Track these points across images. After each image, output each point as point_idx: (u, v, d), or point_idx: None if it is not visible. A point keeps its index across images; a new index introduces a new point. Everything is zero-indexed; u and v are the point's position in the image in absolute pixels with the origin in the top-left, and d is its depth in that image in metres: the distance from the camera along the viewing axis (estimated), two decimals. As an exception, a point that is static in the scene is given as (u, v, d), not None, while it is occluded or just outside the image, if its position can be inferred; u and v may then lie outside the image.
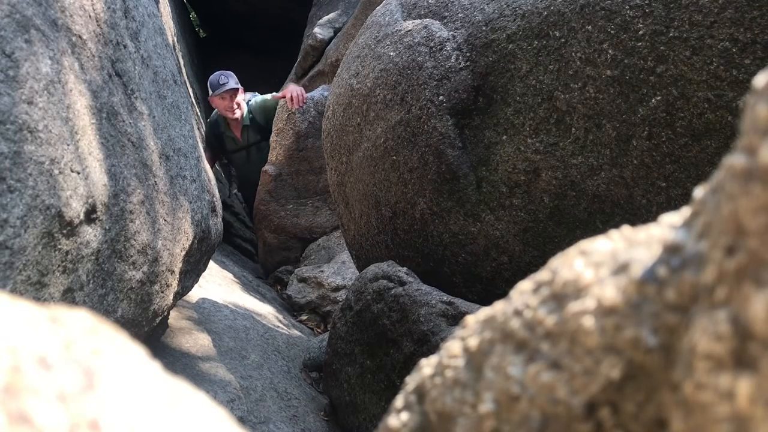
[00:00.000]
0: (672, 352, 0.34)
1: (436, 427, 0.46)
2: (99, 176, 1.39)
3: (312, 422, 2.30)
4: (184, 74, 5.11)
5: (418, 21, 2.22)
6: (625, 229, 0.43)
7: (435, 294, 1.92)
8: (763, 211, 0.29)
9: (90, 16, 1.49)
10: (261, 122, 4.63)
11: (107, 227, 1.43)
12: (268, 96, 4.64)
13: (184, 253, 1.98)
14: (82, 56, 1.41)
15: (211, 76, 4.53)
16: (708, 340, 0.30)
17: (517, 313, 0.43)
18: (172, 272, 1.88)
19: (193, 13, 9.55)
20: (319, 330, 3.49)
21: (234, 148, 4.75)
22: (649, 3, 1.65)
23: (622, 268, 0.39)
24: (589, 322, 0.38)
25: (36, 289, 1.16)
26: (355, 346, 2.17)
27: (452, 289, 2.07)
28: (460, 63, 2.03)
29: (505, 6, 1.97)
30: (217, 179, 4.06)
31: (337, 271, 3.69)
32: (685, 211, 0.39)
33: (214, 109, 4.74)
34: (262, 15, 8.53)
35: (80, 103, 1.35)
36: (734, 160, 0.31)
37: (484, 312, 0.47)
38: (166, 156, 1.87)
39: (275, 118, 4.35)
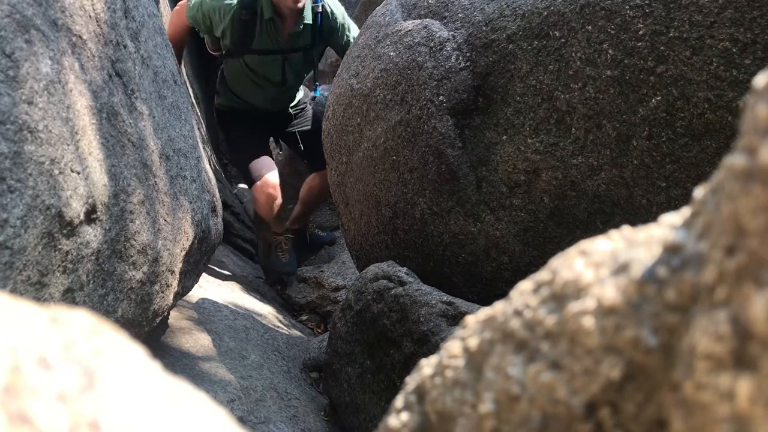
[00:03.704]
0: (672, 352, 0.34)
1: (436, 427, 0.46)
2: (99, 176, 1.39)
3: (312, 422, 2.30)
4: (184, 74, 5.09)
5: (418, 21, 2.22)
6: (625, 229, 0.43)
7: (435, 294, 1.92)
8: (763, 211, 0.29)
9: (90, 16, 1.49)
10: (325, 31, 3.34)
11: (107, 227, 1.43)
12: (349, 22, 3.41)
13: (184, 253, 1.98)
14: (82, 56, 1.41)
15: None
16: (708, 340, 0.30)
17: (517, 313, 0.43)
18: (172, 272, 1.88)
19: (193, 13, 9.53)
20: (319, 330, 3.49)
21: (266, 47, 3.26)
22: (649, 3, 1.65)
23: (622, 268, 0.39)
24: (589, 322, 0.38)
25: (36, 289, 1.16)
26: (355, 346, 2.17)
27: (452, 289, 2.07)
28: (460, 63, 2.03)
29: (505, 6, 1.97)
30: (217, 179, 3.81)
31: (337, 271, 3.70)
32: (685, 211, 0.39)
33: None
34: (262, 15, 8.51)
35: (80, 103, 1.35)
36: (734, 160, 0.31)
37: (484, 312, 0.47)
38: (166, 156, 1.87)
39: None
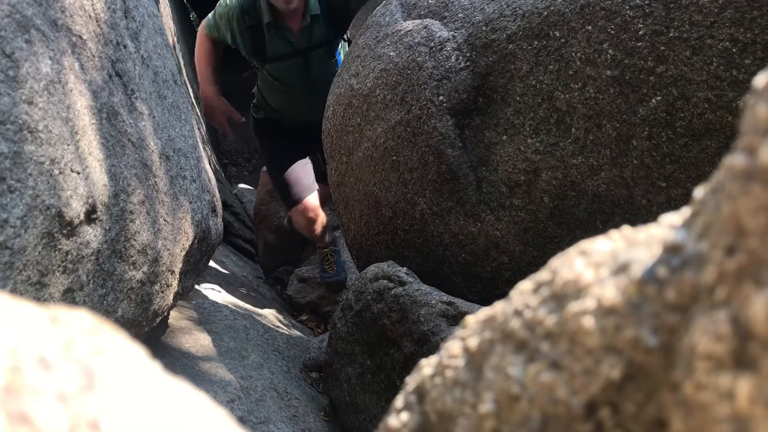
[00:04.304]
0: (672, 352, 0.34)
1: (436, 427, 0.46)
2: (99, 176, 1.39)
3: (312, 422, 2.30)
4: (184, 74, 5.07)
5: (418, 21, 2.22)
6: (625, 229, 0.43)
7: (435, 294, 1.92)
8: (763, 211, 0.29)
9: (90, 16, 1.49)
10: (339, 9, 2.93)
11: (107, 227, 1.43)
12: None
13: (184, 253, 1.98)
14: (82, 56, 1.41)
15: None
16: (708, 340, 0.30)
17: (517, 313, 0.43)
18: (172, 272, 1.88)
19: (193, 14, 9.55)
20: (319, 330, 3.49)
21: (283, 52, 2.92)
22: (649, 3, 1.65)
23: (622, 268, 0.39)
24: (589, 322, 0.38)
25: (36, 289, 1.16)
26: (355, 346, 2.17)
27: (452, 289, 2.07)
28: (460, 63, 2.03)
29: (505, 6, 1.97)
30: (217, 179, 3.70)
31: (337, 271, 3.69)
32: (685, 211, 0.39)
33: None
34: (262, 15, 8.49)
35: (80, 103, 1.35)
36: (734, 160, 0.31)
37: (484, 312, 0.47)
38: (166, 156, 1.87)
39: None
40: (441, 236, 2.10)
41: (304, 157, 3.23)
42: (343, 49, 3.11)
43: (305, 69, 2.95)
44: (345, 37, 3.14)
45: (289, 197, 3.15)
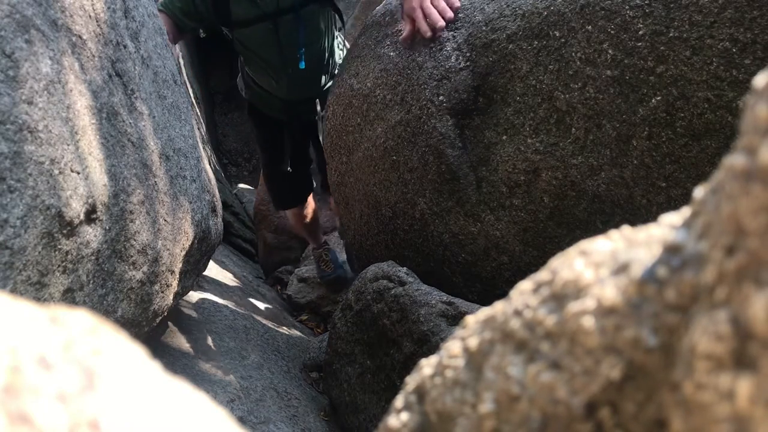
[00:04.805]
0: (672, 352, 0.34)
1: (436, 427, 0.46)
2: (99, 176, 1.39)
3: (312, 422, 2.30)
4: (184, 74, 5.06)
5: (418, 21, 2.22)
6: (625, 229, 0.43)
7: (435, 294, 1.92)
8: (763, 211, 0.29)
9: (90, 16, 1.49)
10: None
11: (107, 227, 1.43)
12: None
13: (184, 253, 1.98)
14: (82, 56, 1.41)
15: None
16: (708, 340, 0.30)
17: (517, 313, 0.43)
18: (172, 272, 1.88)
19: (193, 13, 9.51)
20: (319, 330, 3.50)
21: (248, 16, 2.61)
22: (649, 3, 1.65)
23: (622, 268, 0.39)
24: (589, 322, 0.38)
25: (36, 289, 1.16)
26: (355, 346, 2.17)
27: (452, 289, 2.07)
28: (460, 63, 2.03)
29: (505, 6, 1.97)
30: (217, 179, 3.50)
31: (337, 271, 3.69)
32: (685, 211, 0.39)
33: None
34: (262, 15, 8.50)
35: (80, 103, 1.34)
36: (734, 160, 0.31)
37: (484, 312, 0.47)
38: (166, 156, 1.87)
39: None
40: (441, 236, 2.10)
41: (299, 154, 3.20)
42: (324, 18, 2.76)
43: (275, 34, 2.62)
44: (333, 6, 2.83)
45: (279, 203, 3.34)
